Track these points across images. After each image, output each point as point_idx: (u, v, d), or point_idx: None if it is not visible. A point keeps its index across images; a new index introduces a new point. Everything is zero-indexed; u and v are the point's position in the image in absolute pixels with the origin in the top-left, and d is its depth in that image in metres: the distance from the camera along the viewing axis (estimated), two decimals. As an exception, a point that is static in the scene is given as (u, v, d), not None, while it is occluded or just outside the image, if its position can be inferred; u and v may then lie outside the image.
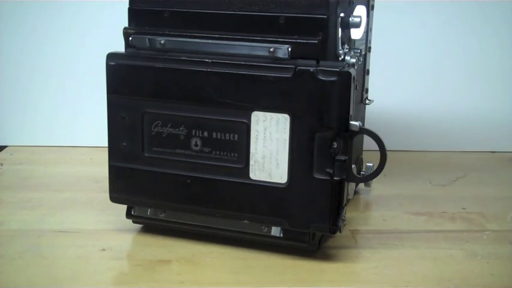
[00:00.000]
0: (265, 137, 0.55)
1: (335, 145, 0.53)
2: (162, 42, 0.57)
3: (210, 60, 0.55)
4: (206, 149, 0.57)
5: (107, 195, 0.60)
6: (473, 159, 0.90)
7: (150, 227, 0.62)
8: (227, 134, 0.56)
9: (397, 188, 0.77)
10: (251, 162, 0.56)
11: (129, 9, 0.58)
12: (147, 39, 0.57)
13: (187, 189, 0.58)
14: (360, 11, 0.62)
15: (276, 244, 0.58)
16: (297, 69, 0.53)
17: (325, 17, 0.53)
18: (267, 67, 0.53)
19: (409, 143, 0.93)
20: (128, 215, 0.61)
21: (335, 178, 0.53)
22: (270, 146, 0.55)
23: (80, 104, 0.91)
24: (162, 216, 0.60)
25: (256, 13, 0.55)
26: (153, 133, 0.58)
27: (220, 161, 0.57)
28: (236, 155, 0.56)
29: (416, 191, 0.76)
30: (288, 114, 0.54)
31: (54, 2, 0.88)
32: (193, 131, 0.57)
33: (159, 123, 0.57)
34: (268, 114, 0.54)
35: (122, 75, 0.57)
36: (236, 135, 0.56)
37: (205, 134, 0.56)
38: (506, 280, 0.55)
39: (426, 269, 0.56)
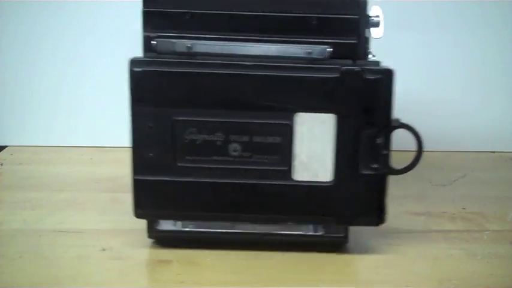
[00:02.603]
0: (309, 137, 0.54)
1: (379, 141, 0.54)
2: (189, 45, 0.54)
3: (250, 63, 0.53)
4: (246, 154, 0.55)
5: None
6: (473, 159, 0.90)
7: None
8: (269, 137, 0.55)
9: (397, 188, 0.77)
10: (295, 163, 0.55)
11: (144, 12, 0.55)
12: (172, 43, 0.54)
13: (226, 197, 0.56)
14: (376, 10, 0.62)
15: (317, 243, 0.58)
16: (343, 70, 0.53)
17: (357, 17, 0.54)
18: (312, 68, 0.53)
19: (409, 143, 0.93)
20: (150, 231, 0.58)
21: (379, 172, 0.55)
22: (314, 146, 0.55)
23: (80, 104, 0.91)
24: (190, 227, 0.58)
25: (289, 14, 0.54)
26: (186, 141, 0.55)
27: (262, 165, 0.55)
28: (279, 157, 0.55)
29: (416, 191, 0.76)
30: (333, 113, 0.54)
31: (54, 2, 0.87)
32: (232, 136, 0.55)
33: (192, 130, 0.55)
34: (313, 115, 0.54)
35: (148, 82, 0.54)
36: (278, 138, 0.55)
37: (245, 138, 0.55)
38: (506, 280, 0.55)
39: (426, 269, 0.56)
